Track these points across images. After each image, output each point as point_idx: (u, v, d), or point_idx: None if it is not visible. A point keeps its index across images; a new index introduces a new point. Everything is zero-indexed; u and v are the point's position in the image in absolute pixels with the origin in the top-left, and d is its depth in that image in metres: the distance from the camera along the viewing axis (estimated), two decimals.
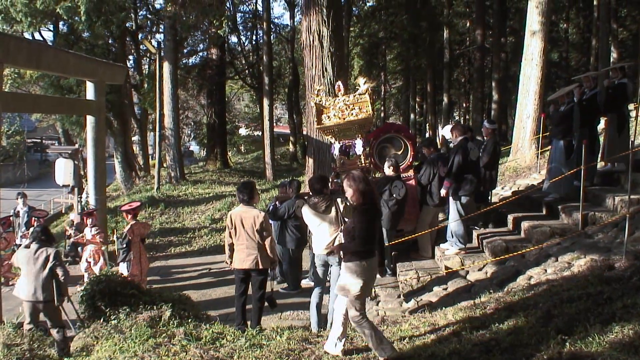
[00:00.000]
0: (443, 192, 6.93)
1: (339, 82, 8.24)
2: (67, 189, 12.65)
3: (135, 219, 7.94)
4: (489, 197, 8.09)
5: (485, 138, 7.75)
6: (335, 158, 7.90)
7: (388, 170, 7.18)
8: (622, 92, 7.27)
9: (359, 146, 7.63)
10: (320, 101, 7.91)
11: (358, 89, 7.89)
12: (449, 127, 8.49)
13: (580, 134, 7.38)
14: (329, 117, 7.70)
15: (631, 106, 8.08)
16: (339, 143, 7.75)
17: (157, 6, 22.47)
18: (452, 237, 7.09)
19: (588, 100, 7.35)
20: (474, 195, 7.31)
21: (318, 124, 7.69)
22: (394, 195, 6.94)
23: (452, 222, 7.02)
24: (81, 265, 8.75)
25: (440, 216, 8.32)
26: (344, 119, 7.58)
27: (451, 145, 7.98)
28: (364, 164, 7.74)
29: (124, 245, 7.55)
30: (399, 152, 7.94)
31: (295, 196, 7.50)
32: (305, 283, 7.59)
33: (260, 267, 5.65)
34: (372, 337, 3.95)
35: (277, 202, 7.66)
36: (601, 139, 8.09)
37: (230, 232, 5.68)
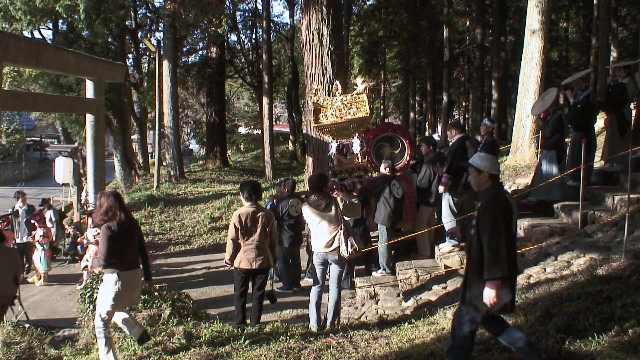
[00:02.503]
0: (441, 188, 6.94)
1: (337, 82, 8.26)
2: (63, 190, 12.61)
3: None
4: None
5: (483, 136, 7.75)
6: (333, 157, 7.92)
7: (384, 171, 7.21)
8: (622, 91, 7.27)
9: (356, 145, 7.66)
10: (318, 100, 7.93)
11: (356, 88, 7.93)
12: (437, 135, 8.54)
13: (576, 136, 7.40)
14: (326, 116, 7.73)
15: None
16: (336, 142, 7.78)
17: (157, 4, 22.46)
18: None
19: (582, 102, 7.36)
20: (472, 194, 7.30)
21: (315, 122, 7.72)
22: (394, 194, 6.95)
23: (444, 219, 7.03)
24: (81, 264, 8.76)
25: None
26: (342, 118, 7.61)
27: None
28: (361, 163, 7.77)
29: None
30: (396, 151, 7.93)
31: (289, 195, 7.49)
32: (304, 281, 7.61)
33: (269, 266, 5.64)
34: (103, 348, 4.34)
35: (274, 201, 7.67)
36: (600, 138, 8.09)
37: (239, 233, 5.45)
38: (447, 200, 6.97)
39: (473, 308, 3.35)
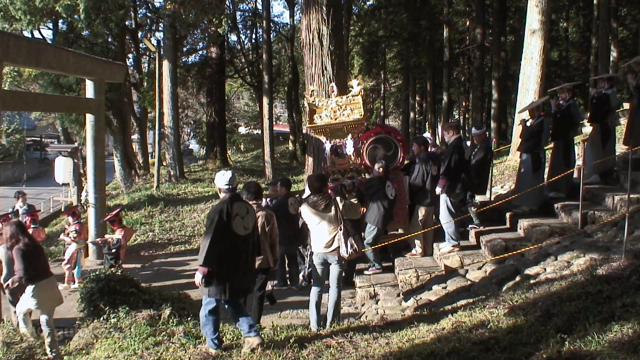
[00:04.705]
0: (439, 190, 6.94)
1: (332, 84, 8.31)
2: (63, 190, 12.54)
3: (121, 225, 8.02)
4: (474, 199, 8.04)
5: (477, 144, 7.74)
6: (327, 158, 7.94)
7: (379, 171, 7.24)
8: (606, 102, 7.30)
9: (349, 146, 7.70)
10: (313, 101, 7.96)
11: (352, 90, 7.95)
12: (426, 134, 8.56)
13: (555, 146, 7.48)
14: (320, 117, 7.78)
15: (626, 105, 8.10)
16: (330, 143, 7.81)
17: (157, 4, 22.47)
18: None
19: (562, 113, 7.38)
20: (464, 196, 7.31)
21: (310, 123, 7.76)
22: (389, 195, 6.98)
23: (443, 220, 7.03)
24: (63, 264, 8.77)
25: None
26: (336, 119, 7.67)
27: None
28: (354, 164, 7.79)
29: (114, 251, 7.66)
30: (389, 153, 7.91)
31: (286, 194, 7.48)
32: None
33: (268, 266, 5.62)
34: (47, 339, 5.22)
35: (268, 200, 7.66)
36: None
37: None
38: (444, 202, 6.99)
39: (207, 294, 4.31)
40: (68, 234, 8.71)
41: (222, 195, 4.47)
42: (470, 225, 7.57)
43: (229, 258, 4.29)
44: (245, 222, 4.42)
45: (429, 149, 8.08)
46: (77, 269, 8.54)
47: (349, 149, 7.73)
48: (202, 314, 4.37)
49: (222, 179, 4.47)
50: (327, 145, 7.85)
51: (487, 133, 24.12)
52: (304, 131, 16.52)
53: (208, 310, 4.32)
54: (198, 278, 4.24)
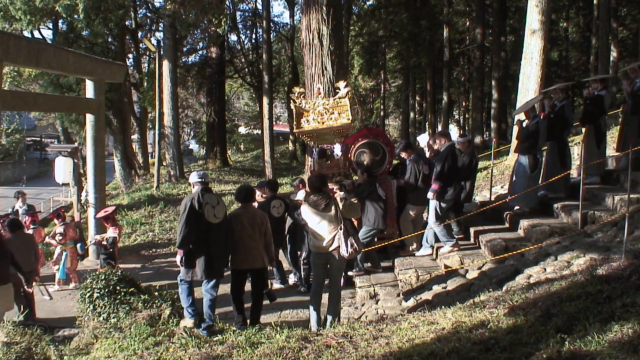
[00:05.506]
0: (430, 195, 6.96)
1: (319, 85, 8.29)
2: (63, 189, 12.51)
3: (115, 223, 8.01)
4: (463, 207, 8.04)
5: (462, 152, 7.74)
6: (315, 162, 7.93)
7: (362, 177, 7.28)
8: (599, 104, 7.28)
9: (337, 150, 7.71)
10: (299, 104, 7.92)
11: (339, 92, 7.91)
12: (425, 135, 8.56)
13: (550, 147, 7.47)
14: (307, 120, 7.74)
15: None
16: (317, 148, 7.81)
17: (157, 4, 22.49)
18: (427, 241, 7.26)
19: (556, 113, 7.39)
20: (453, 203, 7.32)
21: (297, 127, 7.73)
22: (381, 196, 7.02)
23: (431, 224, 7.06)
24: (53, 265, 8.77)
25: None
26: (323, 123, 7.64)
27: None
28: (342, 168, 7.80)
29: (110, 250, 7.65)
30: (377, 158, 7.89)
31: (271, 196, 7.47)
32: (291, 281, 7.70)
33: (264, 266, 5.65)
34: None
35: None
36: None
37: (234, 233, 5.51)
38: (434, 207, 7.02)
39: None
40: (54, 236, 8.69)
41: (195, 188, 5.17)
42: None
43: (202, 242, 4.96)
44: (217, 211, 5.09)
45: (428, 149, 8.09)
46: (61, 270, 8.51)
47: (337, 153, 7.74)
48: (180, 290, 5.19)
49: (196, 174, 5.25)
50: (315, 149, 7.86)
51: (488, 133, 24.13)
52: None
53: (181, 280, 5.26)
54: (178, 259, 5.04)
